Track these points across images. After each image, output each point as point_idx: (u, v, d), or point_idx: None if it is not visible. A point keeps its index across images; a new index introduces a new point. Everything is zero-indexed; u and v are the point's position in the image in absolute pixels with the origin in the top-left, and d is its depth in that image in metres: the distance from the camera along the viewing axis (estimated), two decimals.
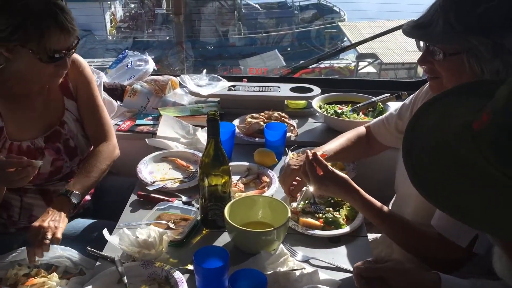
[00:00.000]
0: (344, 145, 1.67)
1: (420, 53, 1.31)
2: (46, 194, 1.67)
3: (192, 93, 2.24)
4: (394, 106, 2.00)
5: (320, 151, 1.54)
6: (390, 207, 1.57)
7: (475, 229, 0.63)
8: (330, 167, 1.38)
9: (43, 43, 1.43)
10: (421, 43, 1.31)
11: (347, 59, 12.38)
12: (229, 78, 2.36)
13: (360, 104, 2.14)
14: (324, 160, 1.39)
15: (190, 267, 1.27)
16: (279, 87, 2.25)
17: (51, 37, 1.44)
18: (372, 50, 11.71)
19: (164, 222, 1.43)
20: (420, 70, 11.74)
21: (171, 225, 1.42)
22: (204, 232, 1.44)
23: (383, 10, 13.93)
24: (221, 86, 2.28)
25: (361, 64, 11.92)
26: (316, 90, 2.21)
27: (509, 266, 0.76)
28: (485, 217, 0.60)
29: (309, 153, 1.39)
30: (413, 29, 1.26)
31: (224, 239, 1.39)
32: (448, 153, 0.65)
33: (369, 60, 11.88)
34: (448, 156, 0.66)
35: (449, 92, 0.80)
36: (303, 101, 2.24)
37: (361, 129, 1.75)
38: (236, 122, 2.05)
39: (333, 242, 1.37)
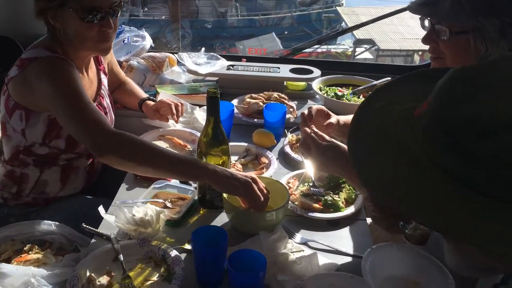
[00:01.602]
0: None
1: (422, 36, 1.29)
2: (67, 170, 1.66)
3: (190, 71, 2.20)
4: None
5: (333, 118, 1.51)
6: None
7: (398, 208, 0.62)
8: (329, 139, 1.35)
9: (82, 1, 1.42)
10: (426, 22, 1.29)
11: (344, 45, 12.31)
12: (227, 58, 2.32)
13: (360, 87, 2.11)
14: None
15: (187, 246, 1.25)
16: (279, 68, 2.22)
17: None
18: (370, 36, 11.63)
19: (161, 200, 1.41)
20: (416, 57, 11.68)
21: (168, 204, 1.40)
22: (201, 212, 1.42)
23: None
24: (220, 65, 2.24)
25: (358, 50, 11.86)
26: (316, 72, 2.18)
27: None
28: (409, 199, 0.61)
29: (308, 129, 1.36)
30: (420, 6, 1.24)
31: (221, 219, 1.38)
32: (386, 138, 0.66)
33: (366, 46, 11.81)
34: (386, 140, 0.66)
35: (402, 78, 0.79)
36: (303, 83, 2.21)
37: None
38: (234, 102, 2.02)
39: (332, 225, 1.36)
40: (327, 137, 1.32)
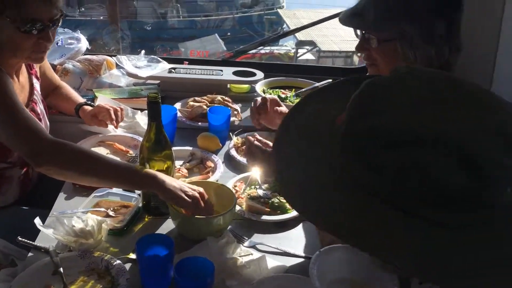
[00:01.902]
0: None
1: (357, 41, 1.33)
2: None
3: (130, 75, 2.14)
4: None
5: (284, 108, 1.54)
6: None
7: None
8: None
9: (21, 11, 1.34)
10: (358, 31, 1.33)
11: (287, 46, 12.48)
12: (169, 60, 2.27)
13: (303, 89, 2.14)
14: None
15: (132, 256, 1.21)
16: (222, 71, 2.20)
17: (30, 4, 1.34)
18: (311, 38, 11.89)
19: (102, 209, 1.36)
20: (356, 58, 12.11)
21: (111, 213, 1.35)
22: (146, 219, 1.38)
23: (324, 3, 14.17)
24: (161, 68, 2.19)
25: (300, 51, 12.06)
26: (259, 74, 2.19)
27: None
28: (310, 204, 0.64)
29: (251, 138, 1.37)
30: (348, 17, 1.30)
31: (167, 226, 1.34)
32: (312, 142, 0.68)
33: (307, 47, 12.05)
34: (311, 144, 0.68)
35: (335, 83, 0.83)
36: (246, 85, 2.21)
37: None
38: (177, 105, 1.98)
39: (280, 227, 1.37)
40: (271, 144, 1.34)
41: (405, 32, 1.19)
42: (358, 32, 1.33)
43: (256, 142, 1.33)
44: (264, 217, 1.37)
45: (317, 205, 0.63)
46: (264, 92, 2.10)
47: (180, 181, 1.30)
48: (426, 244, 0.58)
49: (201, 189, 1.29)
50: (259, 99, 1.64)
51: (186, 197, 1.24)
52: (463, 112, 0.59)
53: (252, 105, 1.66)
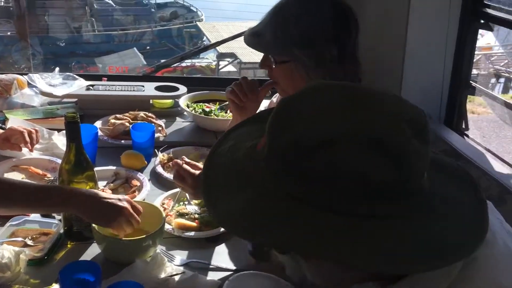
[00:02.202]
0: None
1: None
2: None
3: (44, 94, 2.03)
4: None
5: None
6: None
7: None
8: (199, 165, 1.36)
9: None
10: None
11: (208, 58, 12.51)
12: (86, 77, 2.19)
13: (227, 102, 2.15)
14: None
15: (55, 286, 1.14)
16: (143, 86, 2.16)
17: None
18: (232, 50, 12.02)
19: (20, 239, 1.27)
20: None
21: (29, 242, 1.26)
22: (68, 246, 1.30)
23: (242, 11, 14.39)
24: (78, 85, 2.10)
25: (222, 63, 12.15)
26: (182, 88, 2.17)
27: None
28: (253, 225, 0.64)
29: (179, 161, 1.35)
30: (249, 37, 1.36)
31: (93, 251, 1.28)
32: (237, 175, 0.70)
33: (229, 59, 12.16)
34: (237, 177, 0.70)
35: (248, 120, 0.86)
36: (170, 100, 2.19)
37: None
38: (98, 124, 1.90)
39: (211, 242, 1.35)
40: (200, 165, 1.34)
41: (297, 56, 1.26)
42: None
43: (185, 166, 1.32)
44: (195, 233, 1.35)
45: (253, 225, 0.64)
46: (188, 107, 2.09)
47: (105, 193, 1.24)
48: (358, 237, 0.60)
49: (127, 197, 1.24)
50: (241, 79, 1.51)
51: (112, 213, 1.16)
52: (373, 109, 0.63)
53: (236, 86, 1.49)
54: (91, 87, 2.11)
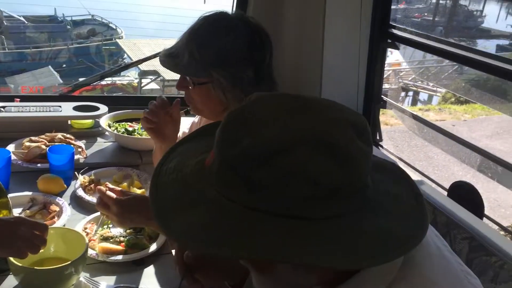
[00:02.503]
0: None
1: None
2: None
3: None
4: (183, 121, 2.07)
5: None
6: None
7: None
8: (128, 191, 1.33)
9: None
10: None
11: (130, 76, 12.22)
12: None
13: None
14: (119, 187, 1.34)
15: None
16: (60, 106, 2.07)
17: None
18: (154, 67, 11.84)
19: None
20: None
21: None
22: None
23: (163, 29, 14.27)
24: None
25: (144, 80, 11.92)
26: (103, 108, 2.11)
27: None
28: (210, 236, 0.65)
29: (102, 188, 1.29)
30: (166, 58, 1.35)
31: (9, 284, 1.19)
32: (188, 192, 0.70)
33: (151, 77, 11.96)
34: (188, 194, 0.70)
35: (189, 136, 0.87)
36: (90, 121, 2.11)
37: None
38: (11, 147, 1.79)
39: (138, 264, 1.32)
40: (125, 190, 1.30)
41: (215, 77, 1.29)
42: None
43: (108, 192, 1.27)
44: (121, 257, 1.31)
45: (213, 238, 0.63)
46: (109, 126, 2.03)
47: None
48: (321, 238, 0.62)
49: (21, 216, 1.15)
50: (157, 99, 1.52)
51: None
52: (318, 114, 0.66)
53: (152, 105, 1.50)
54: (2, 109, 1.98)
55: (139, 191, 1.61)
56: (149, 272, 1.30)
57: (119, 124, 2.06)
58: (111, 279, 1.26)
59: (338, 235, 0.62)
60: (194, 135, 0.86)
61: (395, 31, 1.94)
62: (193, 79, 1.33)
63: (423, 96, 12.47)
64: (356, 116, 0.68)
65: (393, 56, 10.83)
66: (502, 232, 4.51)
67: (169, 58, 1.33)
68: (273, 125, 0.64)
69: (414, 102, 12.28)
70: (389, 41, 1.98)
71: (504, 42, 15.31)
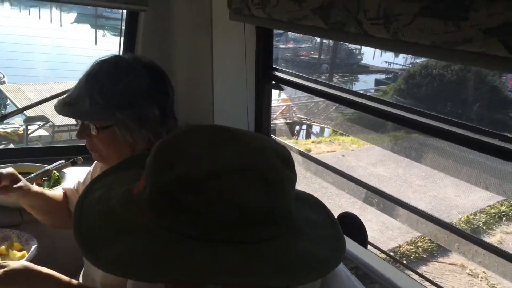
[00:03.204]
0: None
1: None
2: None
3: None
4: (71, 172, 1.97)
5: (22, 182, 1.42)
6: (81, 277, 1.51)
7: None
8: (3, 262, 1.23)
9: None
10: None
11: (14, 123, 11.35)
12: None
13: (33, 175, 1.97)
14: None
15: None
16: None
17: None
18: (42, 113, 11.14)
19: None
20: None
21: None
22: None
23: (52, 76, 13.58)
24: None
25: (31, 127, 11.13)
26: None
27: None
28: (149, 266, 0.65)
29: None
30: (63, 107, 1.31)
31: None
32: (116, 221, 0.70)
33: (39, 123, 11.22)
34: (116, 222, 0.70)
35: (113, 167, 0.87)
36: None
37: (59, 196, 1.64)
38: None
39: None
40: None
41: (120, 119, 1.27)
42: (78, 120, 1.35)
43: None
44: None
45: (143, 266, 0.63)
46: None
47: None
48: (252, 260, 0.64)
49: None
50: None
51: None
52: (247, 143, 0.69)
53: None
54: None
55: (19, 254, 1.48)
56: None
57: None
58: None
59: (264, 257, 0.65)
60: (114, 168, 0.86)
61: (278, 73, 2.06)
62: (97, 124, 1.29)
63: (316, 128, 13.25)
64: (281, 147, 0.72)
65: (287, 92, 11.43)
66: (382, 255, 4.91)
67: (67, 106, 1.28)
68: (206, 153, 0.66)
69: (308, 135, 12.98)
70: (274, 82, 2.10)
71: (381, 76, 16.94)
